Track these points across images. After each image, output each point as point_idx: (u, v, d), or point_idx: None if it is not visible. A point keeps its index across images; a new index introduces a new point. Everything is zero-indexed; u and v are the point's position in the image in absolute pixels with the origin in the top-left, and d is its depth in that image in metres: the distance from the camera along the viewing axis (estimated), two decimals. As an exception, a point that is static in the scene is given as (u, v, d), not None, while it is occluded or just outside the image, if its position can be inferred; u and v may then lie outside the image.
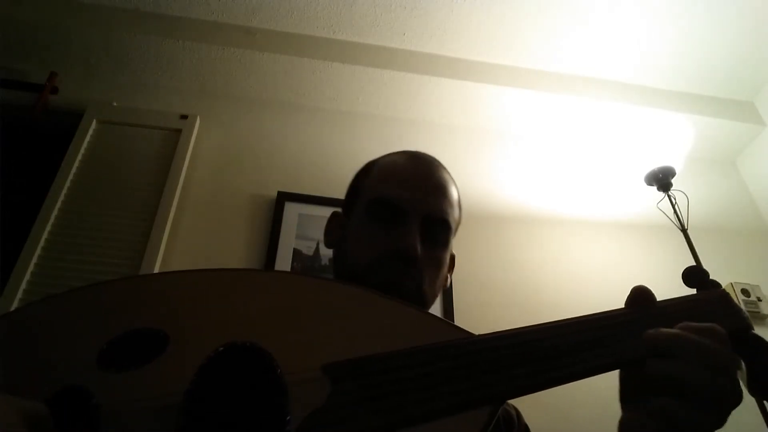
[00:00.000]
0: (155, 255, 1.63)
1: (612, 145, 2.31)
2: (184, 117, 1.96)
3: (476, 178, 2.12)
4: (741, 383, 0.45)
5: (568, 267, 1.98)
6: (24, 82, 1.93)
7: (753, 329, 0.48)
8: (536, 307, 1.82)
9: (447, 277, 0.75)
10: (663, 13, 2.08)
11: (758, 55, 2.24)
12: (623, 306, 0.50)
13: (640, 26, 2.12)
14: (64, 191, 1.73)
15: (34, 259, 1.59)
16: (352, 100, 2.22)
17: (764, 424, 1.49)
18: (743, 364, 0.45)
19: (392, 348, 0.46)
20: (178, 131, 1.92)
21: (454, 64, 2.22)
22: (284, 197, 1.88)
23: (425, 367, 0.45)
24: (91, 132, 1.87)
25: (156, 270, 1.61)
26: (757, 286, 2.01)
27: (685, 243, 1.87)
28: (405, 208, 0.68)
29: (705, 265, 1.79)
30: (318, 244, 1.81)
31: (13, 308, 1.45)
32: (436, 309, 1.59)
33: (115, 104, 1.97)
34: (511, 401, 0.68)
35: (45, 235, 1.63)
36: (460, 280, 1.75)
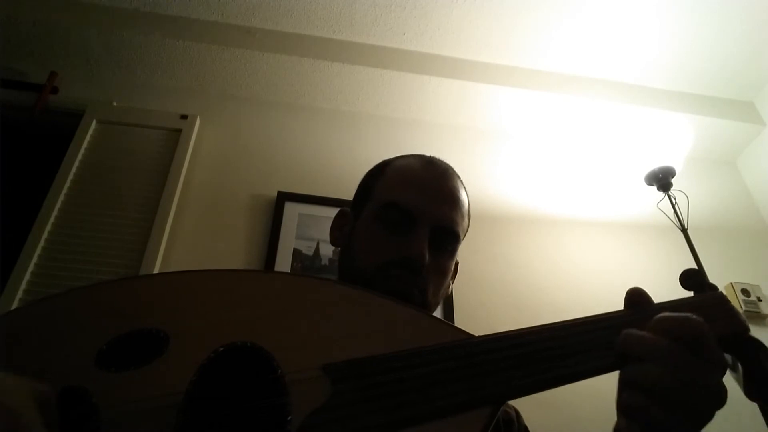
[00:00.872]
0: (155, 255, 1.63)
1: (612, 145, 2.31)
2: (184, 117, 1.95)
3: (476, 178, 2.12)
4: (738, 384, 0.45)
5: (567, 267, 1.98)
6: (24, 82, 1.93)
7: (750, 332, 0.48)
8: (536, 308, 1.82)
9: (449, 285, 0.75)
10: (663, 13, 2.08)
11: (758, 55, 2.24)
12: (623, 308, 0.50)
13: (641, 27, 2.13)
14: (64, 191, 1.73)
15: (34, 259, 1.59)
16: (352, 99, 2.22)
17: (764, 424, 1.48)
18: (740, 366, 0.45)
19: (392, 348, 0.46)
20: (178, 131, 1.92)
21: (454, 64, 2.22)
22: (284, 197, 1.87)
23: (425, 368, 0.45)
24: (90, 132, 1.86)
25: (156, 270, 1.61)
26: (757, 286, 2.01)
27: (685, 243, 1.86)
28: (416, 215, 0.68)
29: (705, 265, 1.80)
30: (318, 244, 1.80)
31: (13, 308, 1.45)
32: (435, 309, 1.58)
33: (115, 104, 1.97)
34: (511, 402, 0.68)
35: (45, 235, 1.63)
36: (460, 280, 1.74)
